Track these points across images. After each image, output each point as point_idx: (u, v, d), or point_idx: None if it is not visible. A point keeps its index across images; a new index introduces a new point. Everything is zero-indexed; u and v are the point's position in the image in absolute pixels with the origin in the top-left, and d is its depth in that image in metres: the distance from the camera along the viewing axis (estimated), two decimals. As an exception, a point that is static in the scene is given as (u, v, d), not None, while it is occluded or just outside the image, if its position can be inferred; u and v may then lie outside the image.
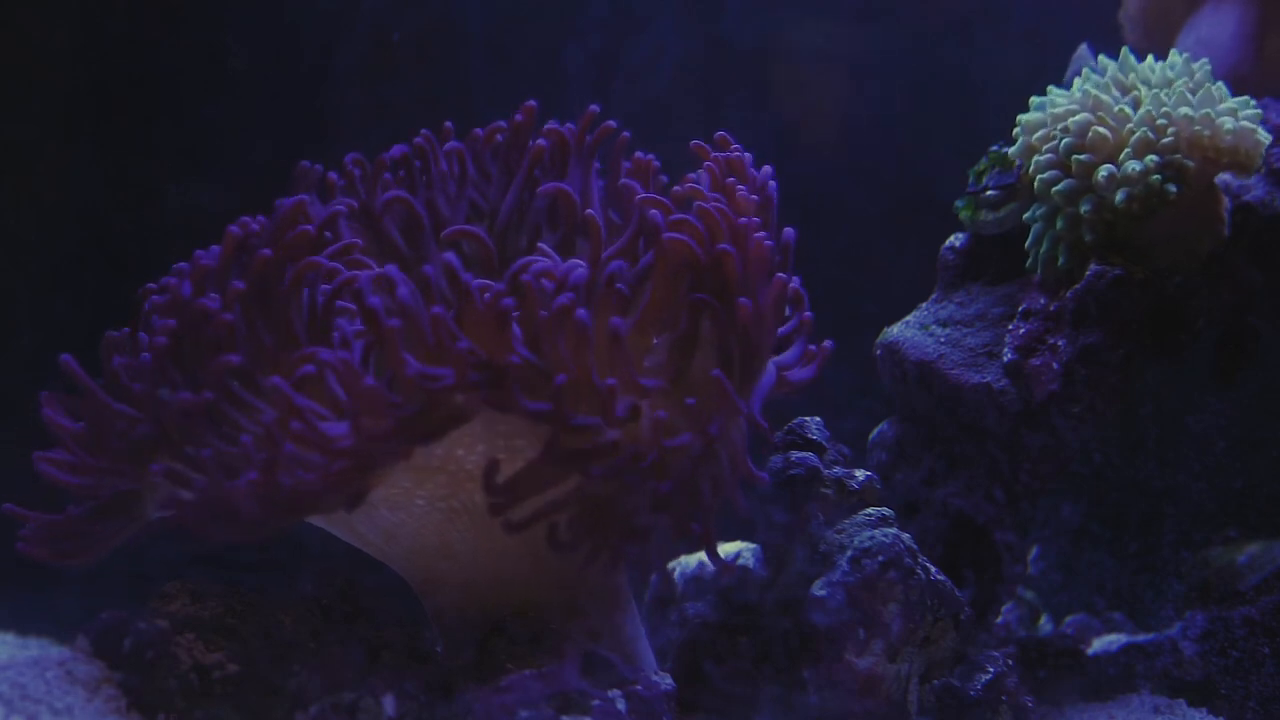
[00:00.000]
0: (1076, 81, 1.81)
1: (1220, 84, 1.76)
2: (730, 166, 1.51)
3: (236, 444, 1.28)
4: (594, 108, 1.68)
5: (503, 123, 1.70)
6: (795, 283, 1.55)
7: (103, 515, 1.42)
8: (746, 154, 1.54)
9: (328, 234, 1.58)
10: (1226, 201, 1.82)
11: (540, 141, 1.67)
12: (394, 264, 1.63)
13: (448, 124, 1.72)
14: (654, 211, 1.44)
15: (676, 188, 1.51)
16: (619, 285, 1.36)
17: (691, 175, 1.56)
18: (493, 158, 1.71)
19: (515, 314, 1.25)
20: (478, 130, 1.71)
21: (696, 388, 1.35)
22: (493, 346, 1.23)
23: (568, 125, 1.69)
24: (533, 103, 1.70)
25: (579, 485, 1.31)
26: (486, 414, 1.27)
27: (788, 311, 1.55)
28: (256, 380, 1.34)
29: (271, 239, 1.46)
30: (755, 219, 1.43)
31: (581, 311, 1.25)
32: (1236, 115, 1.71)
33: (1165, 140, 1.70)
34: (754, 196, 1.46)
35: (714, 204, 1.41)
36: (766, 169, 1.53)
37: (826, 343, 1.53)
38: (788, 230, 1.50)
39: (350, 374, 1.24)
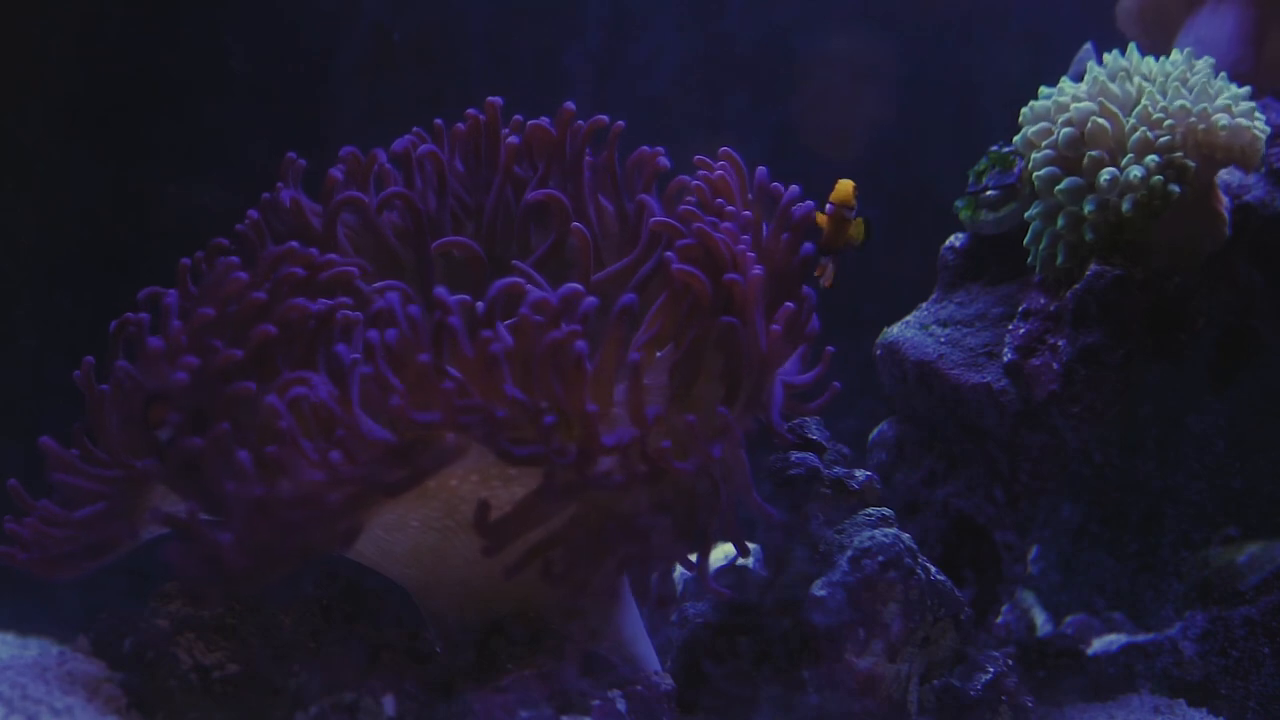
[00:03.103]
0: (1085, 75, 1.82)
1: (1221, 78, 1.76)
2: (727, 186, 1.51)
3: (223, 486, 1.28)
4: (602, 117, 1.68)
5: (483, 115, 1.71)
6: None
7: (95, 551, 1.42)
8: (762, 169, 1.55)
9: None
10: (1226, 201, 1.82)
11: (512, 140, 1.67)
12: (389, 279, 1.64)
13: (437, 120, 1.72)
14: (670, 252, 1.44)
15: (684, 207, 1.51)
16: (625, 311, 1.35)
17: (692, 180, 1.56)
18: (475, 156, 1.71)
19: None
20: (459, 125, 1.71)
21: (698, 409, 1.35)
22: (483, 388, 1.23)
23: (543, 119, 1.69)
24: (497, 100, 1.70)
25: (574, 514, 1.31)
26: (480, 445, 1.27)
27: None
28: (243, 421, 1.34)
29: (261, 279, 1.45)
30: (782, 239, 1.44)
31: (582, 345, 1.25)
32: (1232, 111, 1.71)
33: (1164, 139, 1.70)
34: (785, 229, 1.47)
35: (724, 234, 1.41)
36: (795, 190, 1.54)
37: (829, 347, 1.53)
38: (806, 245, 1.50)
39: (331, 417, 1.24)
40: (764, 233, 1.53)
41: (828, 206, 1.63)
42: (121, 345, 1.46)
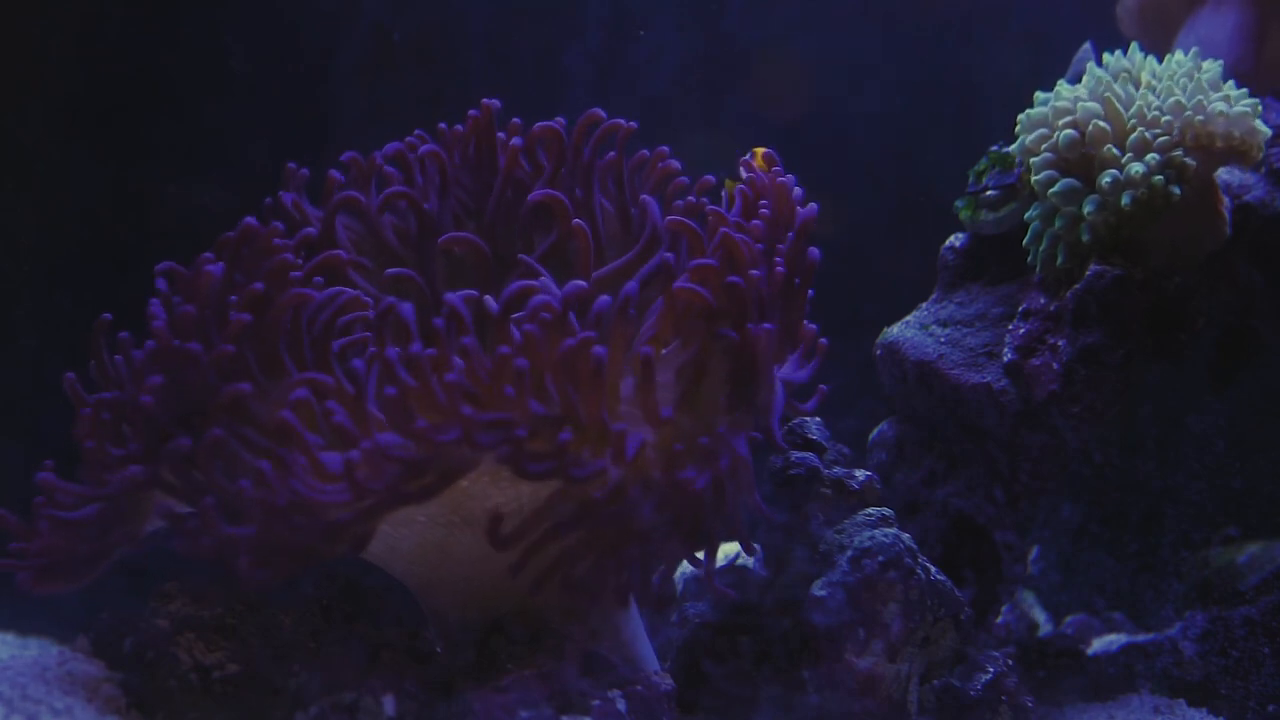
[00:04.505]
0: (1084, 77, 1.82)
1: (1222, 78, 1.76)
2: (764, 190, 1.50)
3: (236, 486, 1.27)
4: (599, 111, 1.68)
5: (477, 114, 1.71)
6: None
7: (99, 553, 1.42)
8: (790, 177, 1.54)
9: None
10: (1226, 201, 1.82)
11: (514, 141, 1.68)
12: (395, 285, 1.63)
13: (441, 125, 1.73)
14: (669, 255, 1.43)
15: (711, 208, 1.51)
16: (630, 310, 1.35)
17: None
18: (474, 156, 1.71)
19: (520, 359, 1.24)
20: (459, 126, 1.71)
21: (704, 414, 1.35)
22: (502, 399, 1.23)
23: (559, 120, 1.70)
24: (495, 101, 1.70)
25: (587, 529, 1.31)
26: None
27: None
28: (252, 415, 1.33)
29: (250, 268, 1.45)
30: (779, 243, 1.43)
31: (600, 350, 1.25)
32: (1230, 101, 1.71)
33: (1163, 138, 1.69)
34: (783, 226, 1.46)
35: (737, 233, 1.40)
36: (798, 192, 1.53)
37: (822, 339, 1.53)
38: (812, 250, 1.49)
39: (357, 419, 1.23)
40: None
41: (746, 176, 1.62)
42: (106, 349, 1.46)
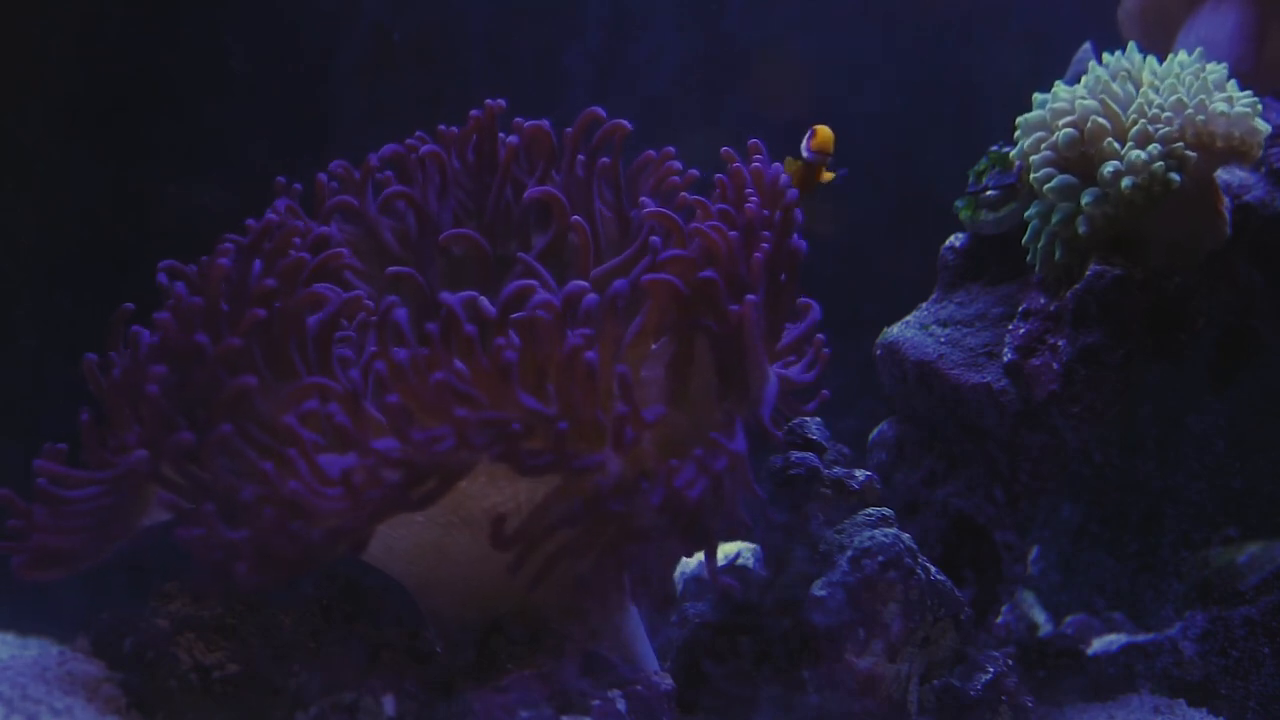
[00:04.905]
0: (1084, 77, 1.82)
1: (1231, 85, 1.76)
2: (746, 179, 1.50)
3: (237, 485, 1.27)
4: (598, 110, 1.68)
5: (479, 113, 1.71)
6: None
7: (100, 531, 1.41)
8: (775, 165, 1.54)
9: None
10: (1227, 201, 1.82)
11: (511, 139, 1.67)
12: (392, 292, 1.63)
13: (441, 127, 1.73)
14: (655, 239, 1.43)
15: (694, 197, 1.51)
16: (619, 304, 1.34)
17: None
18: (474, 157, 1.71)
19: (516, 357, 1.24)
20: (454, 128, 1.71)
21: (697, 409, 1.35)
22: (496, 397, 1.23)
23: (543, 121, 1.70)
24: (500, 102, 1.70)
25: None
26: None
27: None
28: (255, 412, 1.33)
29: (266, 265, 1.45)
30: (762, 231, 1.43)
31: (591, 355, 1.25)
32: (1232, 101, 1.71)
33: (1164, 130, 1.69)
34: (765, 211, 1.45)
35: (711, 225, 1.40)
36: (784, 178, 1.52)
37: (825, 350, 1.53)
38: (799, 242, 1.49)
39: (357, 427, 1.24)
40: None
41: (808, 154, 1.65)
42: (121, 338, 1.46)
